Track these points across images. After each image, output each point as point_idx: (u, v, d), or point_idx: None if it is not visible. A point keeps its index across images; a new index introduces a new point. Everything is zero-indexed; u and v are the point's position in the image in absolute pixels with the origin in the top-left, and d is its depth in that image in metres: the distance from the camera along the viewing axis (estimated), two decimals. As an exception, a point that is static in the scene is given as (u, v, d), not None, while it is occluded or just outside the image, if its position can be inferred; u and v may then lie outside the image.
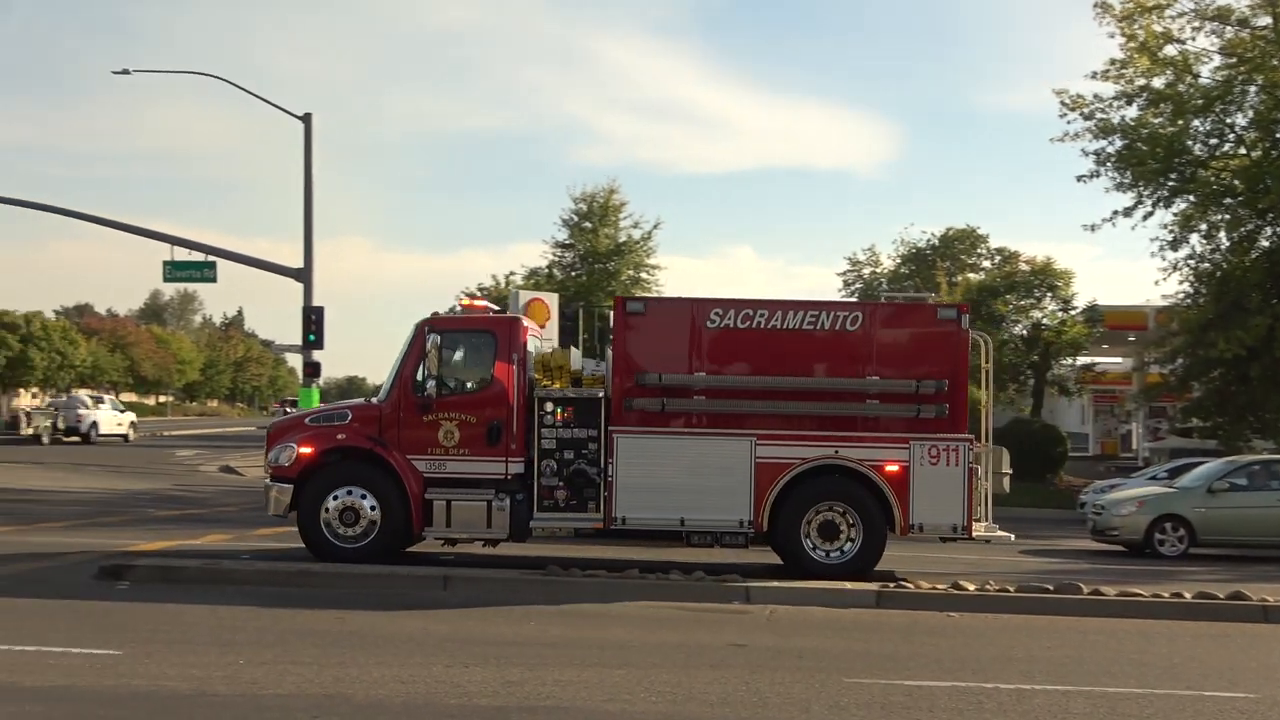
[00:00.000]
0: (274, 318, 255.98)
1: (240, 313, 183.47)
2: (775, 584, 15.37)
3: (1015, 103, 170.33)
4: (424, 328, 16.69)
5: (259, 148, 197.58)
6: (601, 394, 16.41)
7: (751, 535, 16.33)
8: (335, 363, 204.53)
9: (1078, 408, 58.93)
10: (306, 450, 16.65)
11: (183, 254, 36.92)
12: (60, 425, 54.60)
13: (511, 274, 55.97)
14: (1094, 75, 36.80)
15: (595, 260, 52.99)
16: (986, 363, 18.13)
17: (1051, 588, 15.50)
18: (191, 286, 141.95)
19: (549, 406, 16.40)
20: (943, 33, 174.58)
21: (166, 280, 37.47)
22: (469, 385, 16.79)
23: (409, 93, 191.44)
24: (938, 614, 14.41)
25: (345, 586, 14.65)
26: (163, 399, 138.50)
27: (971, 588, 15.34)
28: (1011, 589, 15.43)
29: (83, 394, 70.51)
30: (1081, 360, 49.53)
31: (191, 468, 42.64)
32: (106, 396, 73.15)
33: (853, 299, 15.45)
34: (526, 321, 17.34)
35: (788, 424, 16.24)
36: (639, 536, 16.94)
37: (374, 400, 17.26)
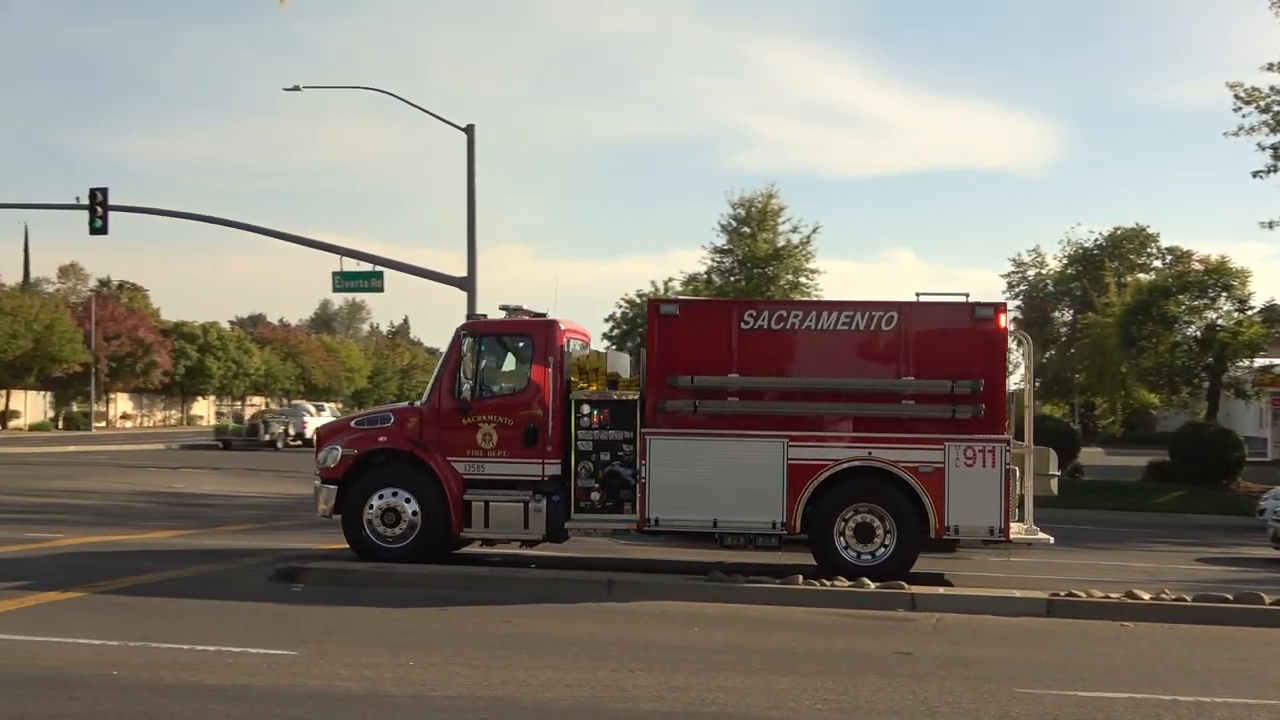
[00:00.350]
0: (439, 326, 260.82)
1: (406, 321, 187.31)
2: (942, 591, 15.14)
3: (1180, 97, 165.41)
4: (461, 332, 17.08)
5: (423, 160, 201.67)
6: (636, 396, 16.53)
7: (784, 537, 16.25)
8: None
9: (1255, 411, 56.93)
10: (350, 452, 17.07)
11: (351, 264, 37.78)
12: (291, 431, 59.31)
13: (670, 280, 56.19)
14: (1270, 67, 35.54)
15: (754, 265, 52.86)
16: (1028, 362, 17.61)
17: (1231, 597, 14.97)
18: (359, 296, 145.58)
19: (585, 409, 16.61)
20: (1103, 28, 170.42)
21: (336, 290, 38.41)
22: (506, 388, 17.07)
23: (568, 102, 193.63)
24: (1111, 623, 14.03)
25: (509, 590, 14.83)
26: (333, 406, 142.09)
27: (1146, 596, 14.89)
28: (1188, 598, 14.94)
29: (304, 403, 75.35)
30: (1259, 362, 47.83)
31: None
32: (328, 405, 77.20)
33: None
34: (566, 325, 17.48)
35: (821, 425, 16.18)
36: (673, 537, 17.01)
37: (417, 404, 17.53)
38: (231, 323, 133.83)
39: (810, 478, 15.99)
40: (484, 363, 17.08)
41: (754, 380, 16.27)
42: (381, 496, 16.80)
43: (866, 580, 15.29)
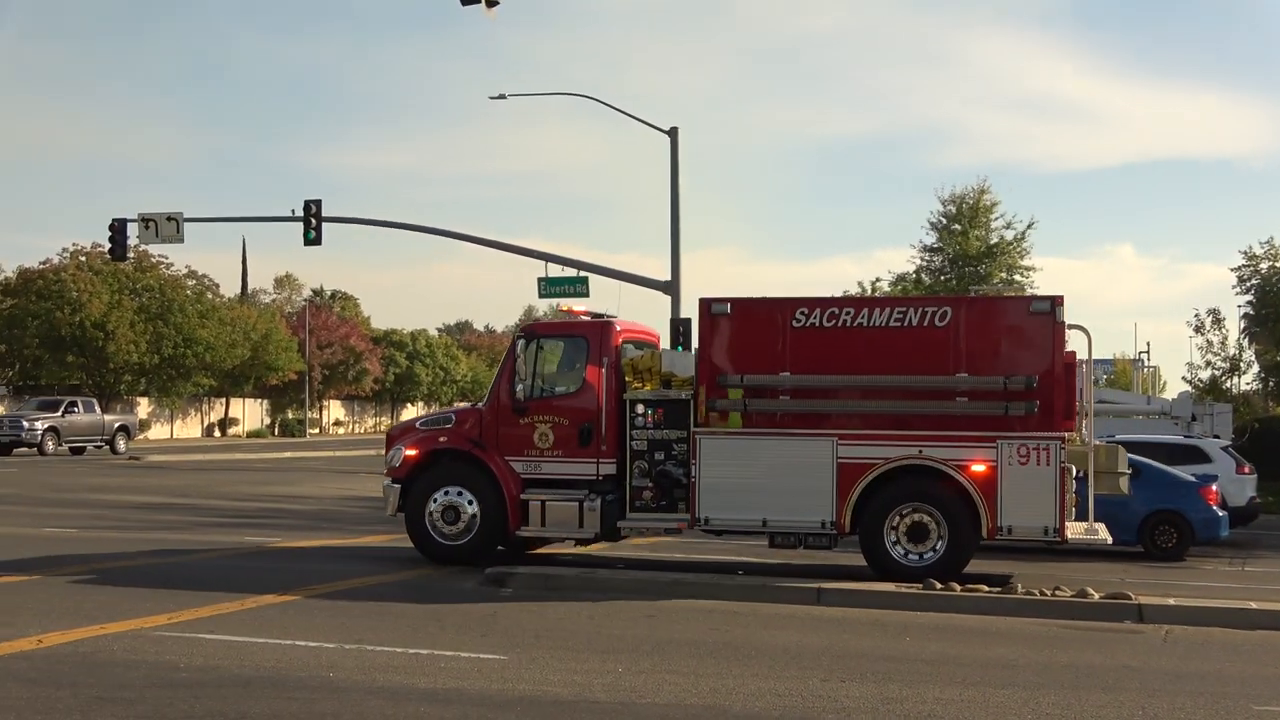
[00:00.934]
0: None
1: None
2: (1172, 603, 14.57)
3: None
4: (518, 334, 17.86)
5: (627, 165, 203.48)
6: (689, 396, 16.77)
7: (835, 536, 16.33)
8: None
9: None
10: (412, 453, 17.87)
11: (556, 270, 38.30)
12: None
13: (877, 280, 55.54)
14: None
15: (965, 263, 51.92)
16: (1088, 356, 16.96)
17: None
18: (564, 302, 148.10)
19: (639, 408, 17.05)
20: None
21: (541, 296, 38.92)
22: (562, 389, 17.58)
23: (773, 101, 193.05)
24: (1358, 638, 13.31)
25: (718, 598, 14.80)
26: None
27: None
28: None
29: None
30: None
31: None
32: None
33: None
34: (624, 325, 17.95)
35: (872, 423, 16.18)
36: (727, 535, 17.33)
37: (479, 405, 18.09)
38: (439, 330, 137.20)
39: (860, 476, 16.05)
40: (541, 365, 17.71)
41: (803, 379, 16.40)
42: (448, 493, 17.50)
43: (1090, 590, 14.83)
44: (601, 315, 18.22)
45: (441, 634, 12.12)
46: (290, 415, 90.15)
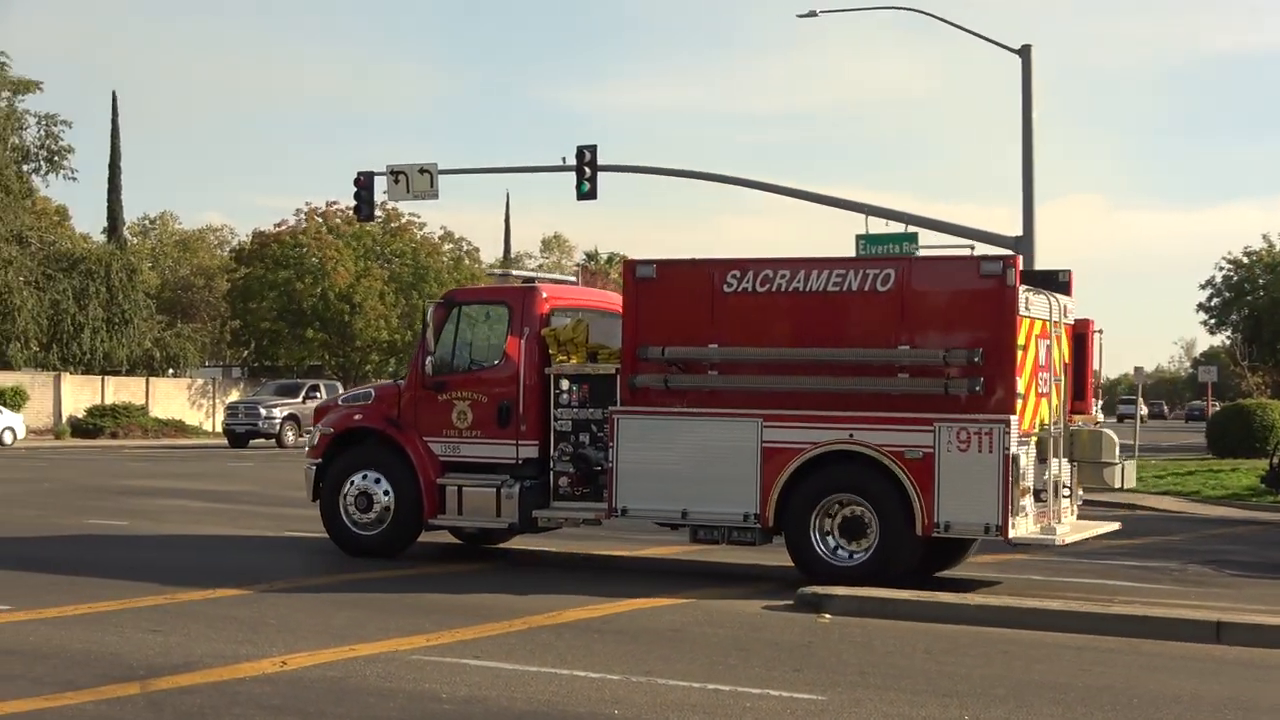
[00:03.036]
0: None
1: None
2: None
3: None
4: (438, 301, 19.16)
5: (965, 96, 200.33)
6: (616, 370, 17.54)
7: (759, 531, 16.86)
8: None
9: None
10: (327, 431, 19.35)
11: (878, 225, 38.01)
12: None
13: (1288, 233, 53.07)
14: None
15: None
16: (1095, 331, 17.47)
17: None
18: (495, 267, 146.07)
19: (564, 385, 17.99)
20: None
21: (859, 256, 38.75)
22: (480, 362, 18.76)
23: (1146, 10, 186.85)
24: None
25: (1090, 630, 14.35)
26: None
27: None
28: None
29: None
30: None
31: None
32: None
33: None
34: (555, 291, 18.96)
35: (802, 403, 16.65)
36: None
37: (399, 381, 19.42)
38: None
39: (787, 463, 16.57)
40: (462, 335, 18.88)
41: (730, 351, 17.03)
42: (364, 478, 18.81)
43: None
44: (532, 281, 19.26)
45: (746, 667, 12.14)
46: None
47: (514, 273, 20.41)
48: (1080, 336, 18.07)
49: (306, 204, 75.21)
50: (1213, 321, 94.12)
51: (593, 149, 38.96)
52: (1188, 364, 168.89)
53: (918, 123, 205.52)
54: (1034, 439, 16.56)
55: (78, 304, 70.41)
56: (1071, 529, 17.47)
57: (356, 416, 19.34)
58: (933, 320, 16.46)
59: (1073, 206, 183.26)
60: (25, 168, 74.48)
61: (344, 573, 17.58)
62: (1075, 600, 15.89)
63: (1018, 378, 16.16)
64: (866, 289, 16.58)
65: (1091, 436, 17.54)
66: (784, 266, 17.18)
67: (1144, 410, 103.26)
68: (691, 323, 17.23)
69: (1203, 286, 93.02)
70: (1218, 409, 61.99)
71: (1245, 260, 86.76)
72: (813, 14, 38.79)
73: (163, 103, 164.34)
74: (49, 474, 34.71)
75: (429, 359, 18.64)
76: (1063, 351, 17.59)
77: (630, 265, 17.88)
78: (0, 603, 14.52)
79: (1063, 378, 17.46)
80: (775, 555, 17.89)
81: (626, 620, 14.51)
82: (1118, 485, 17.80)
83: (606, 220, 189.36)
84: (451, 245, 78.70)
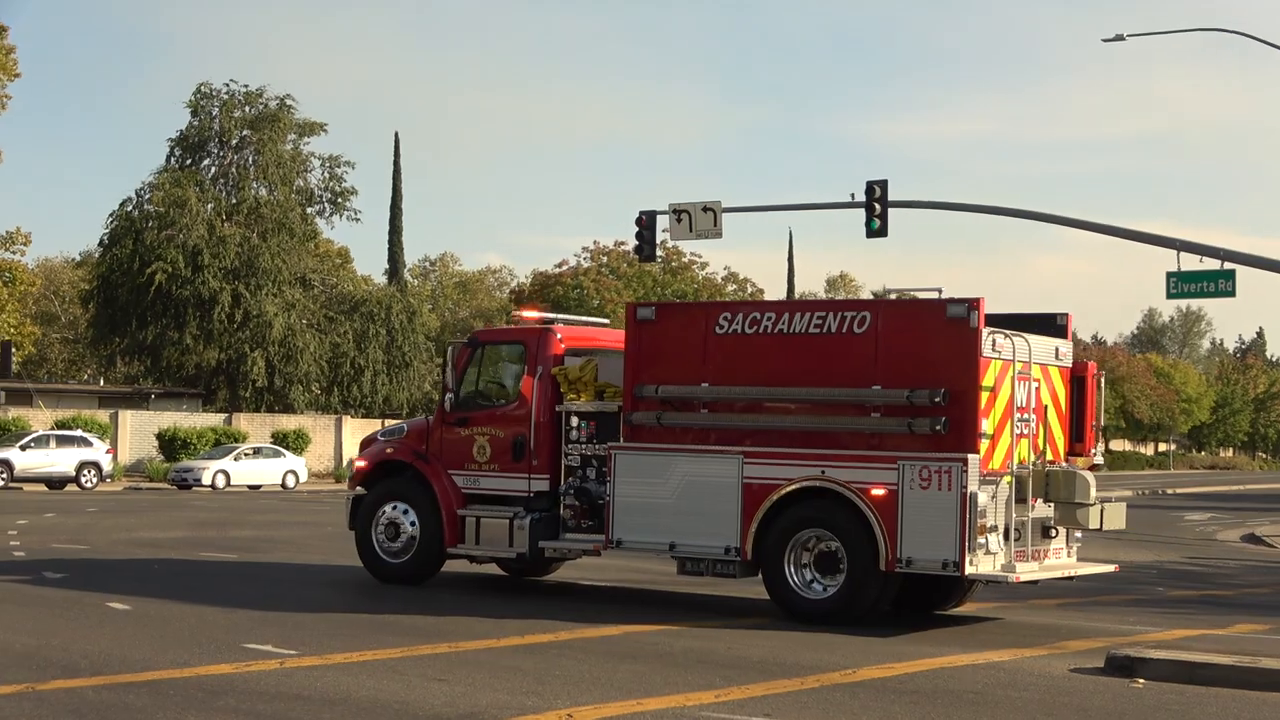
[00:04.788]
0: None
1: (1260, 334, 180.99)
2: None
3: None
4: (463, 341, 21.37)
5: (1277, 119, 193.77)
6: (619, 408, 19.05)
7: (740, 564, 18.12)
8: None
9: None
10: (362, 464, 21.74)
11: (1191, 262, 36.96)
12: None
13: None
14: None
15: None
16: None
17: None
18: (1198, 304, 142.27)
19: (574, 421, 19.71)
20: None
21: (1171, 296, 37.70)
22: (499, 399, 20.71)
23: None
24: None
25: None
26: (1163, 447, 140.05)
27: None
28: None
29: None
30: None
31: (1205, 535, 42.59)
32: None
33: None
34: (570, 332, 20.65)
35: (780, 440, 18.09)
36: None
37: (430, 417, 21.47)
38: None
39: (765, 498, 17.89)
40: (485, 373, 20.97)
41: (717, 390, 18.47)
42: (393, 508, 20.83)
43: None
44: (551, 322, 20.89)
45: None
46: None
47: (531, 314, 22.33)
48: (1079, 379, 19.26)
49: (594, 242, 76.43)
50: None
51: (883, 184, 38.72)
52: None
53: (1237, 150, 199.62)
54: (1005, 479, 17.59)
55: (358, 346, 72.81)
56: (1059, 569, 18.60)
57: (389, 450, 21.43)
58: (903, 361, 17.58)
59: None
60: (310, 210, 77.34)
61: (623, 623, 17.74)
62: None
63: (983, 418, 17.27)
64: (844, 331, 17.92)
65: (1065, 477, 18.24)
66: (770, 309, 19.04)
67: None
68: (686, 362, 18.70)
69: None
70: None
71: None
72: (1120, 38, 38.12)
73: (441, 143, 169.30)
74: (330, 518, 35.85)
75: (449, 396, 20.57)
76: (1056, 393, 18.81)
77: (631, 307, 19.64)
78: (289, 647, 15.06)
79: (1053, 419, 18.69)
80: (1079, 616, 17.46)
81: (925, 680, 14.33)
82: (1093, 526, 18.40)
83: (897, 259, 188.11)
84: (734, 286, 79.16)
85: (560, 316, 21.87)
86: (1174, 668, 15.05)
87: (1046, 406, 18.48)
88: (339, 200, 77.31)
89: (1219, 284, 36.98)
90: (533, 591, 21.25)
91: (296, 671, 13.84)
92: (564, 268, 75.93)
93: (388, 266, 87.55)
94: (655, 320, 19.21)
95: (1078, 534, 19.03)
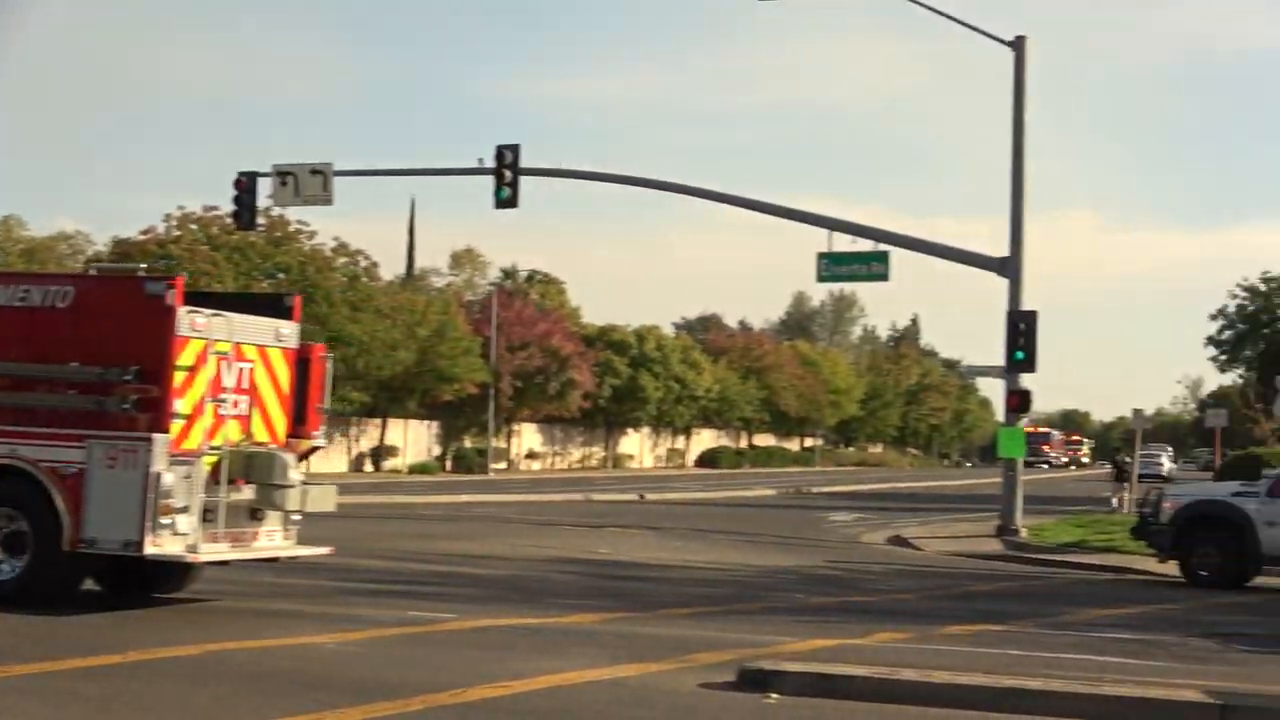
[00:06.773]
0: (960, 329, 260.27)
1: (915, 323, 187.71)
2: None
3: None
4: None
5: (945, 95, 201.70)
6: None
7: None
8: (1047, 392, 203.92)
9: None
10: None
11: (843, 242, 38.06)
12: None
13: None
14: None
15: None
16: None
17: None
18: (852, 288, 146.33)
19: None
20: None
21: (821, 279, 38.79)
22: None
23: (1144, 6, 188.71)
24: None
25: (1079, 714, 14.35)
26: (809, 442, 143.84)
27: None
28: None
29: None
30: None
31: (849, 538, 43.92)
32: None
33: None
34: None
35: None
36: None
37: None
38: (677, 326, 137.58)
39: None
40: None
41: None
42: None
43: None
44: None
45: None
46: (468, 444, 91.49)
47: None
48: (304, 361, 20.92)
49: (179, 208, 74.24)
50: (1224, 358, 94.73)
51: (515, 149, 38.96)
52: (1193, 406, 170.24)
53: (895, 124, 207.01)
54: (205, 460, 19.07)
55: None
56: (266, 550, 20.38)
57: None
58: (102, 338, 18.89)
59: (1062, 225, 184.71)
60: None
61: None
62: (1058, 680, 15.89)
63: (176, 398, 18.75)
64: (49, 305, 19.27)
65: (265, 459, 19.79)
66: None
67: (1169, 465, 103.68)
68: None
69: (1213, 317, 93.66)
70: (1227, 457, 62.25)
71: (1263, 287, 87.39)
72: (771, -1, 38.96)
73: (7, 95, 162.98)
74: None
75: None
76: (276, 375, 20.36)
77: None
78: None
79: (271, 401, 20.28)
80: (712, 626, 17.77)
81: (542, 700, 14.37)
82: (293, 508, 20.10)
83: (530, 233, 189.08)
84: (346, 259, 77.96)
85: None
86: (810, 681, 15.47)
87: (261, 387, 20.13)
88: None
89: (871, 266, 38.29)
90: (97, 606, 20.60)
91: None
92: (150, 235, 73.49)
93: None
94: None
95: (295, 517, 20.48)
